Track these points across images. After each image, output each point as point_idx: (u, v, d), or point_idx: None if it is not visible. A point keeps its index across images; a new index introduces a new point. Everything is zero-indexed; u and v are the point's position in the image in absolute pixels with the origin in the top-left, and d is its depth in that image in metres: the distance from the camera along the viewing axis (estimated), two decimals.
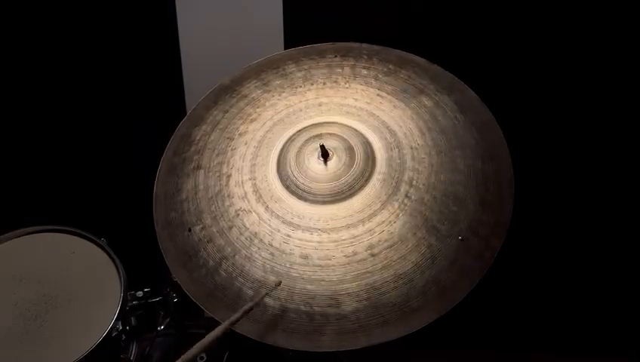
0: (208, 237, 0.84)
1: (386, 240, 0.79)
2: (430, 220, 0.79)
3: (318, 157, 0.87)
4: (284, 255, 0.80)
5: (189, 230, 0.85)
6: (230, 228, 0.84)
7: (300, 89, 0.96)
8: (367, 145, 0.87)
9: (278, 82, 0.97)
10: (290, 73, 0.98)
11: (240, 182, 0.88)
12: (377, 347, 0.73)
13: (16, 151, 1.47)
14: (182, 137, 0.94)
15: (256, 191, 0.86)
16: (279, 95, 0.96)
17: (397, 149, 0.86)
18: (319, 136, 0.89)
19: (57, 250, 1.03)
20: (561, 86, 1.30)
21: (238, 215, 0.85)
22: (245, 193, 0.86)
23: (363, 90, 0.93)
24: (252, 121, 0.94)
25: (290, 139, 0.90)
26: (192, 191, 0.88)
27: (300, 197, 0.85)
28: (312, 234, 0.81)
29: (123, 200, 1.45)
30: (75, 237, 1.05)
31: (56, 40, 1.37)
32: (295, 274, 0.79)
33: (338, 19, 1.30)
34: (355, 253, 0.79)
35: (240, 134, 0.93)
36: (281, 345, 0.75)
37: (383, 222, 0.80)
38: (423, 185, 0.82)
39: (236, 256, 0.81)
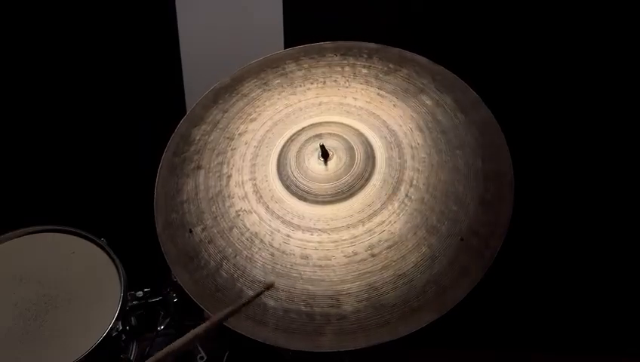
0: (209, 238, 0.84)
1: (386, 240, 0.79)
2: (430, 220, 0.79)
3: (318, 158, 0.87)
4: (284, 255, 0.80)
5: (190, 231, 0.85)
6: (231, 228, 0.84)
7: (300, 88, 0.96)
8: (367, 145, 0.87)
9: (277, 81, 0.97)
10: (290, 72, 0.98)
11: (240, 183, 0.88)
12: (378, 347, 0.73)
13: (16, 151, 1.47)
14: (182, 137, 0.94)
15: (256, 191, 0.86)
16: (279, 94, 0.96)
17: (397, 149, 0.86)
18: (319, 135, 0.89)
19: (57, 250, 1.03)
20: (562, 86, 1.30)
21: (239, 215, 0.85)
22: (246, 193, 0.86)
23: (363, 90, 0.93)
24: (252, 120, 0.94)
25: (291, 139, 0.90)
26: (193, 192, 0.88)
27: (300, 198, 0.85)
28: (312, 234, 0.81)
29: (123, 200, 1.45)
30: (75, 237, 1.05)
31: (57, 40, 1.37)
32: (295, 275, 0.79)
33: (338, 19, 1.30)
34: (355, 253, 0.79)
35: (240, 134, 0.93)
36: (281, 345, 0.75)
37: (383, 222, 0.80)
38: (423, 184, 0.82)
39: (237, 257, 0.81)
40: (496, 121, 0.86)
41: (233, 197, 0.86)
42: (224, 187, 0.88)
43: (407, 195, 0.82)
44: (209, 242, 0.84)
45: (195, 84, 1.39)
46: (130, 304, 1.01)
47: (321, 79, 0.96)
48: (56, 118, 1.45)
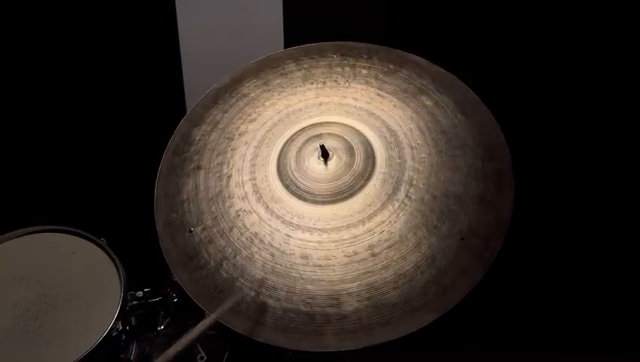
0: (209, 238, 0.84)
1: (386, 240, 0.79)
2: (430, 220, 0.79)
3: (318, 158, 0.87)
4: (284, 255, 0.80)
5: (190, 231, 0.85)
6: (231, 228, 0.84)
7: (300, 88, 0.96)
8: (367, 145, 0.87)
9: (277, 81, 0.97)
10: (290, 72, 0.98)
11: (240, 183, 0.88)
12: (378, 347, 0.73)
13: (16, 151, 1.47)
14: (182, 137, 0.94)
15: (256, 191, 0.86)
16: (279, 94, 0.96)
17: (397, 149, 0.86)
18: (319, 136, 0.89)
19: (57, 250, 1.03)
20: (562, 86, 1.30)
21: (239, 215, 0.85)
22: (245, 193, 0.87)
23: (363, 90, 0.94)
24: (252, 121, 0.94)
25: (291, 139, 0.90)
26: (193, 192, 0.88)
27: (300, 198, 0.85)
28: (312, 234, 0.81)
29: (123, 200, 1.45)
30: (75, 237, 1.05)
31: (57, 40, 1.37)
32: (295, 275, 0.79)
33: (338, 19, 1.30)
34: (355, 253, 0.79)
35: (240, 134, 0.93)
36: (281, 344, 0.75)
37: (384, 221, 0.80)
38: (423, 184, 0.82)
39: (237, 257, 0.82)
40: (496, 121, 0.86)
41: (233, 198, 0.87)
42: (224, 187, 0.88)
43: (407, 195, 0.82)
44: (209, 242, 0.84)
45: (195, 84, 1.39)
46: (130, 304, 1.01)
47: (321, 79, 0.96)
48: (57, 118, 1.45)
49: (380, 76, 0.94)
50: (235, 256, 0.82)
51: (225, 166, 0.90)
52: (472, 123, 0.86)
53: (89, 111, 1.45)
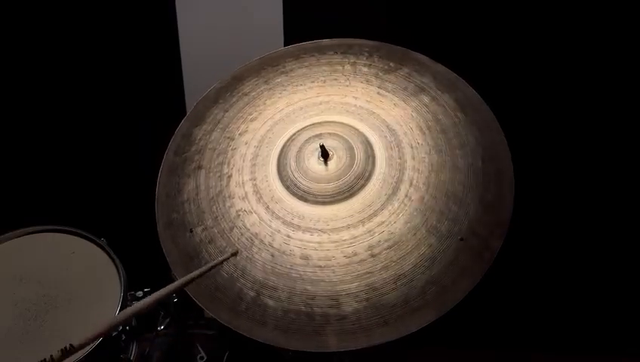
0: (209, 238, 0.84)
1: (386, 241, 0.79)
2: (430, 220, 0.79)
3: (319, 158, 0.87)
4: (284, 256, 0.80)
5: (191, 231, 0.85)
6: (231, 229, 0.84)
7: (301, 87, 0.96)
8: (367, 145, 0.87)
9: (278, 80, 0.97)
10: (291, 70, 0.98)
11: (241, 183, 0.88)
12: (378, 347, 0.73)
13: (16, 151, 1.47)
14: (183, 137, 0.94)
15: (256, 191, 0.86)
16: (280, 93, 0.96)
17: (397, 148, 0.86)
18: (319, 135, 0.89)
19: (57, 250, 1.03)
20: (563, 85, 1.29)
21: (239, 216, 0.85)
22: (246, 194, 0.86)
23: (363, 88, 0.93)
24: (252, 120, 0.94)
25: (291, 139, 0.90)
26: (193, 192, 0.88)
27: (301, 198, 0.85)
28: (312, 234, 0.81)
29: (123, 200, 1.45)
30: (75, 237, 1.05)
31: (57, 40, 1.37)
32: (295, 275, 0.79)
33: (338, 19, 1.30)
34: (355, 254, 0.79)
35: (240, 134, 0.93)
36: (282, 345, 0.75)
37: (383, 222, 0.80)
38: (423, 184, 0.82)
39: (237, 257, 0.81)
40: (497, 120, 0.86)
41: (233, 198, 0.87)
42: (224, 187, 0.88)
43: (407, 195, 0.82)
44: (209, 242, 0.84)
45: (195, 84, 1.39)
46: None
47: (322, 78, 0.96)
48: (57, 118, 1.45)
49: (381, 74, 0.94)
50: (235, 257, 0.81)
51: (225, 166, 0.90)
52: (473, 122, 0.86)
53: (89, 112, 1.45)
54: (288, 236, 0.82)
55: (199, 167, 0.90)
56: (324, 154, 0.86)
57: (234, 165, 0.90)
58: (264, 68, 0.99)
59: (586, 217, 1.39)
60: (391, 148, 0.86)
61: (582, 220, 1.40)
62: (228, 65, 1.02)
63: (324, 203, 0.84)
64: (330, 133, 0.89)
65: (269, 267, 0.80)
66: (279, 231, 0.82)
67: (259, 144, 0.91)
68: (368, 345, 0.73)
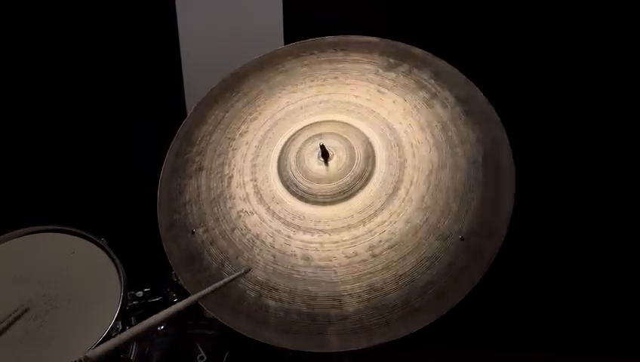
0: (211, 239, 0.84)
1: (386, 241, 0.79)
2: (430, 220, 0.79)
3: (319, 158, 0.87)
4: (285, 256, 0.80)
5: (192, 232, 0.85)
6: (232, 229, 0.84)
7: (301, 86, 0.96)
8: (368, 144, 0.87)
9: (278, 79, 0.97)
10: (291, 69, 0.98)
11: (241, 184, 0.88)
12: (378, 347, 0.73)
13: (16, 151, 1.47)
14: (184, 137, 0.94)
15: (257, 192, 0.86)
16: (280, 92, 0.96)
17: (397, 147, 0.86)
18: (319, 135, 0.89)
19: (57, 250, 1.03)
20: (565, 83, 1.29)
21: (240, 216, 0.85)
22: (247, 194, 0.86)
23: (363, 86, 0.93)
24: (253, 120, 0.94)
25: (291, 139, 0.90)
26: (195, 193, 0.88)
27: (301, 198, 0.85)
28: (313, 235, 0.81)
29: (123, 200, 1.45)
30: (75, 237, 1.05)
31: (57, 40, 1.37)
32: (296, 276, 0.79)
33: (338, 19, 1.30)
34: (356, 254, 0.79)
35: (241, 134, 0.93)
36: (282, 345, 0.75)
37: (384, 222, 0.80)
38: (424, 183, 0.82)
39: (238, 258, 0.82)
40: (499, 117, 0.85)
41: (234, 199, 0.86)
42: (225, 188, 0.88)
43: (407, 195, 0.82)
44: (211, 243, 0.84)
45: (195, 84, 1.39)
46: (130, 304, 1.01)
47: (322, 76, 0.96)
48: (57, 118, 1.45)
49: (381, 71, 0.94)
50: (236, 258, 0.82)
51: (226, 166, 0.90)
52: (474, 119, 0.86)
53: (89, 112, 1.44)
54: (289, 237, 0.82)
55: (200, 168, 0.90)
56: (325, 154, 0.86)
57: (235, 166, 0.90)
58: (264, 67, 0.99)
59: (587, 217, 1.39)
60: (391, 146, 0.86)
61: (582, 220, 1.40)
62: (228, 65, 1.02)
63: (324, 203, 0.84)
64: (330, 133, 0.89)
65: (271, 268, 0.80)
66: (280, 232, 0.82)
67: (259, 144, 0.91)
68: (369, 345, 0.73)
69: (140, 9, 1.34)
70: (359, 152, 0.86)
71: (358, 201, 0.83)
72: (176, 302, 1.07)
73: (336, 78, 0.95)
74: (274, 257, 0.80)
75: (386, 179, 0.84)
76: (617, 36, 1.24)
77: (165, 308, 1.09)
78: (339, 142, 0.88)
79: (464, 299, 0.74)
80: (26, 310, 0.93)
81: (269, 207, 0.85)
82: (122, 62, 1.40)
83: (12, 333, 0.93)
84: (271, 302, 0.77)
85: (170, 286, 1.08)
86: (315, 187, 0.85)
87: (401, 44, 0.95)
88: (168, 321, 1.10)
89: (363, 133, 0.88)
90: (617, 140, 1.33)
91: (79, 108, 1.44)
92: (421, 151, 0.85)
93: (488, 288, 0.77)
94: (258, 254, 0.81)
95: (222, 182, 0.88)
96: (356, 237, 0.80)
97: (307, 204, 0.84)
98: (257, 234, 0.83)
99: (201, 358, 1.05)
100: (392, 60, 0.94)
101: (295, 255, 0.80)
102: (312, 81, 0.96)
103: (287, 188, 0.86)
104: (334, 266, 0.78)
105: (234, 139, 0.92)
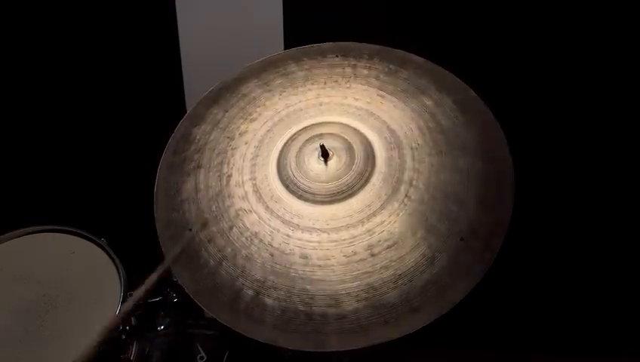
0: (209, 238, 0.84)
1: (385, 240, 0.79)
2: (430, 220, 0.79)
3: (319, 157, 0.87)
4: (283, 255, 0.80)
5: (190, 230, 0.85)
6: (230, 228, 0.84)
7: (301, 88, 0.96)
8: (368, 145, 0.87)
9: (278, 81, 0.97)
10: (291, 73, 0.98)
11: (240, 182, 0.88)
12: (377, 346, 0.73)
13: (16, 151, 1.47)
14: (182, 136, 0.94)
15: (256, 191, 0.86)
16: (280, 94, 0.96)
17: (397, 149, 0.86)
18: (319, 135, 0.89)
19: (57, 250, 1.04)
20: (563, 85, 1.29)
21: (239, 215, 0.85)
22: (245, 193, 0.87)
23: (364, 90, 0.93)
24: (252, 120, 0.94)
25: (291, 139, 0.90)
26: (193, 191, 0.88)
27: (300, 197, 0.85)
28: (311, 234, 0.81)
29: (123, 200, 1.45)
30: (75, 237, 1.05)
31: (57, 40, 1.37)
32: (294, 274, 0.79)
33: (338, 19, 1.30)
34: (354, 253, 0.79)
35: (240, 134, 0.93)
36: (282, 345, 0.75)
37: (383, 222, 0.80)
38: (423, 184, 0.82)
39: (237, 257, 0.82)
40: (497, 121, 0.86)
41: (233, 197, 0.87)
42: (224, 186, 0.88)
43: (407, 195, 0.82)
44: (209, 241, 0.84)
45: (195, 84, 1.39)
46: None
47: (322, 80, 0.96)
48: (57, 118, 1.45)
49: (381, 76, 0.94)
50: (234, 256, 0.82)
51: (225, 165, 0.90)
52: (473, 123, 0.86)
53: (89, 112, 1.45)
54: (288, 235, 0.82)
55: (199, 166, 0.90)
56: (324, 154, 0.86)
57: (234, 165, 0.90)
58: (265, 70, 0.99)
59: (586, 217, 1.39)
60: (391, 148, 0.86)
61: (582, 220, 1.40)
62: (228, 65, 1.02)
63: (323, 202, 0.84)
64: (330, 134, 0.89)
65: (269, 266, 0.80)
66: (279, 231, 0.82)
67: (259, 144, 0.91)
68: (368, 344, 0.73)
69: (139, 9, 1.34)
70: (359, 153, 0.86)
71: (357, 201, 0.83)
72: (176, 302, 1.08)
73: (336, 81, 0.96)
74: (272, 256, 0.80)
75: (386, 180, 0.84)
76: (613, 41, 1.24)
77: (165, 308, 1.10)
78: (339, 143, 0.88)
79: (464, 299, 0.74)
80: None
81: (267, 206, 0.85)
82: (122, 62, 1.40)
83: (12, 333, 0.93)
84: (269, 301, 0.77)
85: (170, 286, 1.08)
86: (315, 186, 0.85)
87: (401, 52, 0.96)
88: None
89: (363, 134, 0.88)
90: (616, 140, 1.34)
91: (79, 108, 1.44)
92: (421, 153, 0.85)
93: (488, 288, 0.77)
94: (256, 252, 0.81)
95: (220, 180, 0.89)
96: (355, 237, 0.80)
97: (306, 203, 0.84)
98: (256, 233, 0.83)
99: (201, 358, 1.05)
100: (392, 66, 0.94)
101: (293, 253, 0.80)
102: (313, 84, 0.96)
103: (287, 187, 0.86)
104: (333, 265, 0.78)
105: (233, 139, 0.92)
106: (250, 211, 0.85)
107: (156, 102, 1.42)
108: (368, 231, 0.80)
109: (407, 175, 0.83)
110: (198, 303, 0.79)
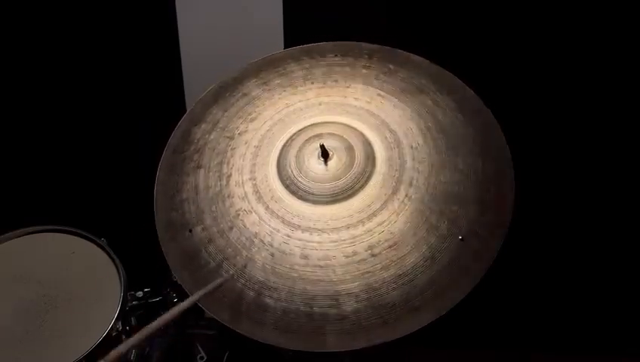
0: (209, 238, 0.84)
1: (386, 241, 0.79)
2: (430, 220, 0.79)
3: (319, 157, 0.87)
4: (284, 255, 0.80)
5: (190, 231, 0.85)
6: (231, 228, 0.84)
7: (301, 88, 0.96)
8: (368, 145, 0.87)
9: (278, 81, 0.97)
10: (291, 72, 0.98)
11: (240, 183, 0.88)
12: (378, 347, 0.73)
13: (16, 151, 1.47)
14: (182, 136, 0.94)
15: (256, 191, 0.86)
16: (279, 94, 0.96)
17: (397, 149, 0.86)
18: (319, 135, 0.89)
19: (57, 250, 1.04)
20: (562, 85, 1.29)
21: (239, 215, 0.85)
22: (245, 193, 0.86)
23: (363, 90, 0.93)
24: (252, 120, 0.94)
25: (291, 139, 0.90)
26: (193, 191, 0.88)
27: (300, 198, 0.85)
28: (311, 234, 0.81)
29: (123, 200, 1.45)
30: (75, 237, 1.05)
31: (57, 40, 1.37)
32: (295, 275, 0.79)
33: (338, 19, 1.30)
34: (355, 253, 0.79)
35: (240, 133, 0.93)
36: (281, 345, 0.75)
37: (383, 222, 0.80)
38: (423, 184, 0.82)
39: (237, 257, 0.81)
40: (496, 120, 0.86)
41: (233, 197, 0.87)
42: (224, 187, 0.88)
43: (407, 195, 0.82)
44: (209, 242, 0.84)
45: (195, 84, 1.39)
46: (130, 304, 1.01)
47: (322, 79, 0.96)
48: (57, 118, 1.45)
49: (381, 76, 0.94)
50: (235, 256, 0.81)
51: (225, 165, 0.90)
52: (473, 123, 0.86)
53: (89, 111, 1.45)
54: (288, 236, 0.82)
55: (198, 166, 0.90)
56: (324, 154, 0.86)
57: (233, 165, 0.90)
58: (264, 69, 0.99)
59: (586, 217, 1.39)
60: (391, 148, 0.86)
61: (582, 220, 1.40)
62: (228, 65, 1.02)
63: (323, 202, 0.84)
64: (330, 134, 0.89)
65: (269, 266, 0.80)
66: (279, 231, 0.82)
67: (259, 144, 0.91)
68: (368, 344, 0.73)
69: (140, 9, 1.34)
70: (359, 153, 0.86)
71: (357, 201, 0.83)
72: (176, 302, 1.08)
73: (336, 81, 0.95)
74: (272, 256, 0.80)
75: (386, 180, 0.84)
76: (613, 41, 1.24)
77: (165, 309, 1.09)
78: (339, 143, 0.88)
79: (464, 299, 0.74)
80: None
81: (267, 206, 0.85)
82: (122, 62, 1.40)
83: (12, 333, 0.93)
84: (269, 301, 0.77)
85: (170, 286, 1.08)
86: (315, 186, 0.85)
87: (400, 52, 0.96)
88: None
89: (363, 134, 0.88)
90: (616, 140, 1.34)
91: (79, 108, 1.44)
92: (421, 153, 0.85)
93: (488, 288, 0.77)
94: (256, 253, 0.81)
95: (220, 180, 0.88)
96: (355, 237, 0.80)
97: (306, 203, 0.84)
98: (256, 233, 0.83)
99: (201, 358, 1.05)
100: (391, 66, 0.94)
101: (294, 254, 0.80)
102: (312, 83, 0.96)
103: (287, 187, 0.86)
104: (333, 265, 0.78)
105: (233, 139, 0.92)
106: (251, 211, 0.85)
107: (156, 102, 1.42)
108: (368, 231, 0.80)
109: (407, 175, 0.83)
110: (200, 304, 0.79)
